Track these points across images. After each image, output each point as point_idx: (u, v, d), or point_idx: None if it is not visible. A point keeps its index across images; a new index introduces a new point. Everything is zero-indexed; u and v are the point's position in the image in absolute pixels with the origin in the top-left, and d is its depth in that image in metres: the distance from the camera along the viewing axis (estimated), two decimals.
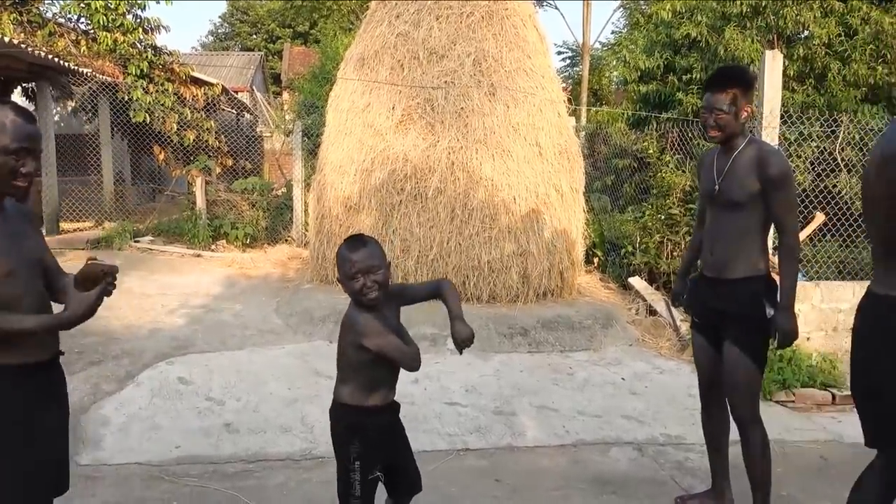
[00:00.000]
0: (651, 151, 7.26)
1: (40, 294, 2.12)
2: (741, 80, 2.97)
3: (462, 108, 6.26)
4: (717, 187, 3.00)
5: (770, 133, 5.59)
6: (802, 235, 5.67)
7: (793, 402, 4.79)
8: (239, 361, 5.11)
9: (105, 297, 2.05)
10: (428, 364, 5.19)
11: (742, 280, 2.96)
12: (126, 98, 10.54)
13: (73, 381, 4.63)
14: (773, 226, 3.02)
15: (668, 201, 6.74)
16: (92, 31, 11.18)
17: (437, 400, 4.61)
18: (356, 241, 2.36)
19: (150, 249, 8.92)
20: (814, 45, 8.59)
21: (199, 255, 8.75)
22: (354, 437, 2.38)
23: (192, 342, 5.48)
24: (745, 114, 2.97)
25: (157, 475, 3.58)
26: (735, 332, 2.97)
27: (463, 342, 2.41)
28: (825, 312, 5.47)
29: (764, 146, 3.01)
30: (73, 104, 12.58)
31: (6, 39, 7.53)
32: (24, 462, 2.00)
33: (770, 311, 2.90)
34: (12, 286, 1.99)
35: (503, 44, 6.52)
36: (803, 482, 3.72)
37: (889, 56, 8.29)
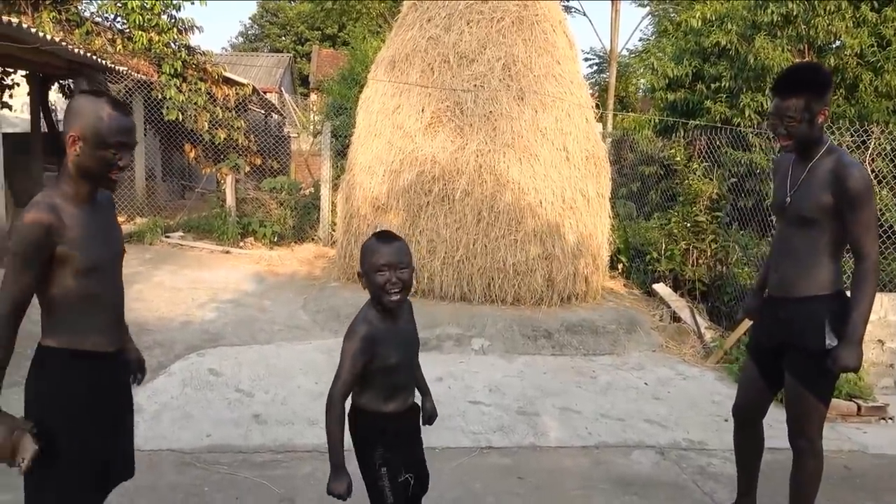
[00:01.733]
0: (678, 159, 7.27)
1: (119, 289, 2.16)
2: (813, 83, 2.68)
3: (490, 111, 6.33)
4: (788, 199, 2.78)
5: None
6: None
7: None
8: (267, 355, 5.21)
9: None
10: (453, 363, 5.30)
11: (807, 299, 2.73)
12: (159, 96, 10.75)
13: None
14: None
15: (694, 209, 6.75)
16: (128, 31, 11.42)
17: (461, 399, 4.66)
18: (388, 235, 2.26)
19: (181, 245, 9.09)
20: (845, 55, 8.54)
21: (227, 252, 8.89)
22: (377, 442, 2.26)
23: (222, 335, 5.60)
24: (822, 119, 2.67)
25: (188, 462, 3.69)
26: (793, 359, 2.80)
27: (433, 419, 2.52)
28: None
29: (844, 157, 2.67)
30: None
31: (48, 37, 7.73)
32: (93, 445, 2.04)
33: (831, 342, 2.65)
34: (95, 281, 2.01)
35: (532, 49, 6.58)
36: (827, 491, 3.70)
37: None
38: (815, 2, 8.69)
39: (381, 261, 2.17)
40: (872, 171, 6.88)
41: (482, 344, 5.60)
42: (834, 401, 4.84)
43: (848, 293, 2.67)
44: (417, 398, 2.46)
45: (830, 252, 2.70)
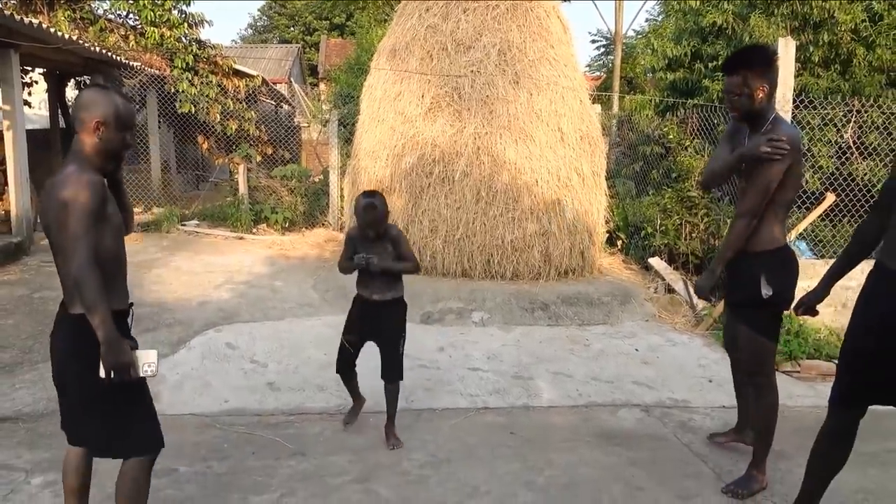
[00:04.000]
0: (671, 137, 7.49)
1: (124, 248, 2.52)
2: (750, 62, 3.01)
3: (487, 95, 6.60)
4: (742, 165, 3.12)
5: (783, 117, 5.80)
6: (814, 215, 5.90)
7: (798, 371, 5.06)
8: (280, 330, 5.55)
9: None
10: (454, 335, 5.61)
11: (751, 255, 3.11)
12: (172, 90, 11.09)
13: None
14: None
15: (686, 184, 6.99)
16: (140, 27, 11.76)
17: (461, 366, 4.98)
18: (368, 204, 3.55)
19: (196, 232, 9.46)
20: (839, 30, 8.67)
21: (241, 238, 9.25)
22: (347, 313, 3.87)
23: (237, 313, 5.95)
24: (761, 94, 2.97)
25: (208, 423, 4.03)
26: (739, 312, 3.28)
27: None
28: (834, 289, 5.66)
29: (781, 127, 3.00)
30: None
31: (67, 36, 8.08)
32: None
33: (767, 291, 3.06)
34: (120, 242, 2.42)
35: (527, 34, 6.83)
36: (798, 440, 3.98)
37: None
38: None
39: (361, 222, 3.59)
40: (859, 144, 7.10)
41: (482, 316, 5.91)
42: (814, 362, 5.13)
43: (792, 248, 3.13)
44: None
45: (772, 212, 3.05)
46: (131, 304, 2.52)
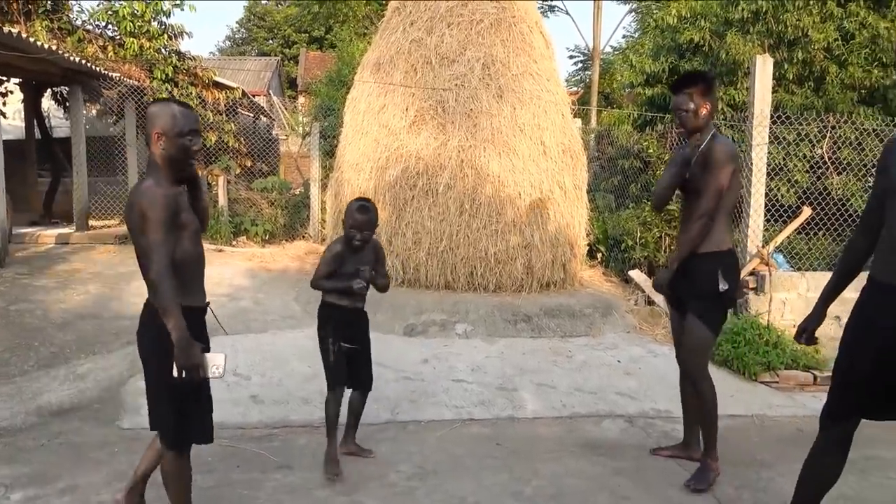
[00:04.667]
0: (651, 151, 7.60)
1: (202, 253, 2.72)
2: (694, 82, 3.42)
3: (471, 109, 6.65)
4: (687, 176, 3.43)
5: (760, 132, 5.93)
6: (790, 228, 6.01)
7: (777, 382, 5.14)
8: (262, 343, 5.52)
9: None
10: (438, 347, 5.62)
11: (705, 255, 3.39)
12: (151, 101, 11.01)
13: (111, 358, 5.09)
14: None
15: None
16: (119, 38, 11.67)
17: (445, 378, 4.98)
18: (364, 207, 3.55)
19: None
20: (813, 49, 8.89)
21: (221, 250, 9.17)
22: (327, 323, 3.62)
23: (219, 326, 5.90)
24: (704, 112, 3.37)
25: None
26: (691, 303, 3.48)
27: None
28: (811, 301, 5.74)
29: (717, 139, 3.38)
30: (99, 107, 13.09)
31: (45, 46, 8.01)
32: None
33: (723, 286, 3.35)
34: (199, 244, 2.64)
35: (510, 49, 6.91)
36: (778, 449, 4.06)
37: (885, 59, 8.58)
38: None
39: (352, 223, 3.49)
40: (834, 160, 7.26)
41: (465, 328, 5.93)
42: (792, 372, 5.22)
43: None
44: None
45: (720, 216, 3.37)
46: (208, 303, 2.75)
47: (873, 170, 7.25)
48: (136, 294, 6.76)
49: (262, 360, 5.13)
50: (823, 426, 2.73)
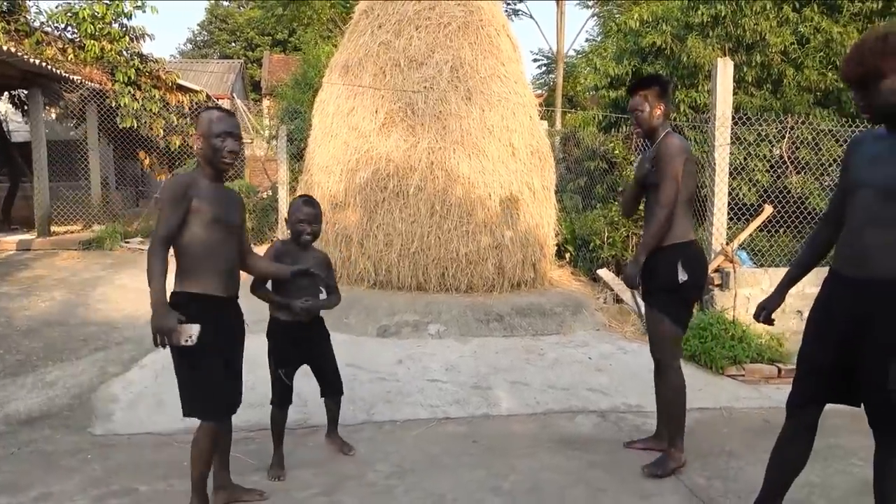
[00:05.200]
0: (617, 152, 7.74)
1: (233, 249, 2.96)
2: (649, 84, 3.58)
3: (440, 111, 6.70)
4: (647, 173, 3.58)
5: (722, 133, 6.09)
6: (753, 226, 6.18)
7: (743, 375, 5.28)
8: None
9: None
10: (411, 347, 5.64)
11: (666, 248, 3.51)
12: (114, 104, 10.82)
13: (79, 364, 5.01)
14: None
15: None
16: (78, 40, 11.45)
17: (420, 378, 5.01)
18: (309, 200, 3.57)
19: (141, 250, 9.22)
20: (770, 52, 9.14)
21: None
22: (272, 337, 3.59)
23: None
24: (658, 112, 3.54)
25: (166, 442, 3.96)
26: (655, 295, 3.61)
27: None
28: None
29: (669, 135, 3.52)
30: (58, 111, 12.82)
31: (4, 48, 7.83)
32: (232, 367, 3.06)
33: (683, 277, 3.46)
34: (215, 232, 2.82)
35: (478, 52, 6.98)
36: (746, 439, 4.18)
37: (838, 63, 8.85)
38: (742, 3, 9.28)
39: (301, 217, 3.48)
40: (793, 160, 7.48)
41: (438, 329, 5.96)
42: (757, 365, 5.36)
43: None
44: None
45: (679, 208, 3.48)
46: (229, 296, 2.98)
47: (829, 169, 7.52)
48: (103, 300, 6.67)
49: None
50: (790, 414, 2.83)
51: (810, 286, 6.08)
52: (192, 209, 2.76)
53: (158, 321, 2.63)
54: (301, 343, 3.55)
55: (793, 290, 5.93)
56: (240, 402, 3.19)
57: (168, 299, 2.71)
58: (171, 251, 2.79)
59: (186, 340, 2.69)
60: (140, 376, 4.83)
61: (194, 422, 4.19)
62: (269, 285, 3.48)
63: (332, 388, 3.72)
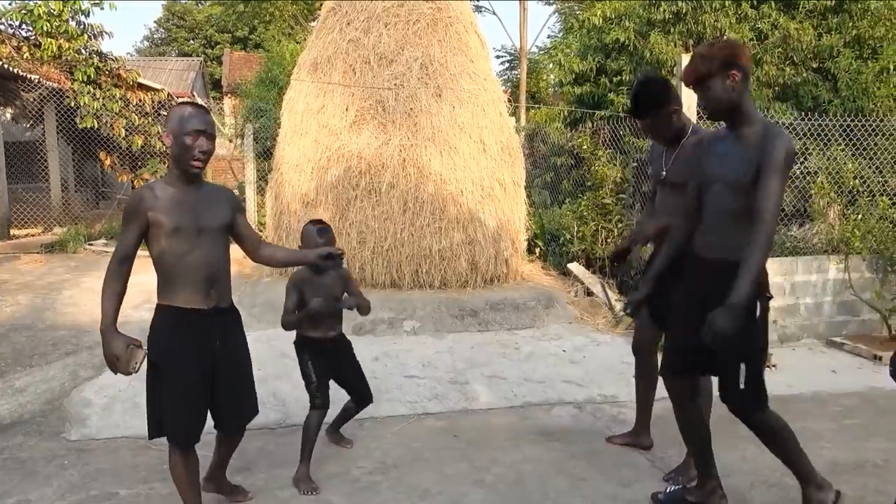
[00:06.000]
0: (585, 147, 7.86)
1: (211, 256, 2.73)
2: (652, 108, 3.32)
3: (411, 108, 6.72)
4: (664, 173, 3.46)
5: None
6: None
7: None
8: None
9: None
10: (387, 345, 5.66)
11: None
12: (73, 104, 10.59)
13: (50, 369, 4.92)
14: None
15: (601, 192, 7.34)
16: (34, 38, 11.17)
17: (397, 374, 5.03)
18: (323, 225, 3.41)
19: (105, 252, 9.06)
20: None
21: None
22: (303, 350, 3.52)
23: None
24: (675, 114, 3.33)
25: (144, 445, 3.89)
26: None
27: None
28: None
29: (700, 132, 3.36)
30: (14, 111, 12.49)
31: None
32: (189, 377, 2.71)
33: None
34: (180, 242, 2.63)
35: (447, 49, 7.01)
36: (719, 425, 4.25)
37: (795, 58, 9.12)
38: (702, 0, 9.49)
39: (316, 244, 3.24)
40: None
41: (413, 325, 5.99)
42: None
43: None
44: None
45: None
46: (212, 308, 2.75)
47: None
48: (70, 303, 6.54)
49: None
50: (665, 379, 3.08)
51: (775, 275, 6.27)
52: (151, 222, 2.61)
53: (104, 348, 2.55)
54: (328, 357, 3.54)
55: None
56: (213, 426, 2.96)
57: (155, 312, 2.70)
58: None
59: (133, 369, 2.57)
60: (113, 380, 4.73)
61: None
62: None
63: (360, 396, 3.74)
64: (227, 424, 2.97)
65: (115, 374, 2.59)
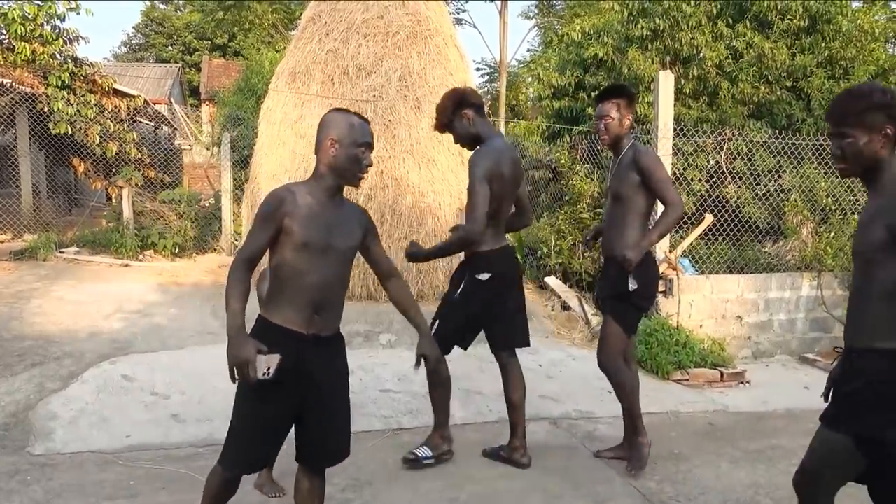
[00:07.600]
0: (563, 161, 7.89)
1: (330, 279, 2.48)
2: (623, 93, 3.65)
3: (390, 120, 6.70)
4: (608, 183, 3.73)
5: (664, 144, 6.27)
6: (694, 234, 6.38)
7: (687, 380, 5.44)
8: (180, 360, 5.33)
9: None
10: (363, 358, 5.60)
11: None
12: (46, 109, 10.40)
13: (16, 381, 4.79)
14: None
15: (578, 206, 7.37)
16: (7, 41, 10.97)
17: (373, 388, 4.98)
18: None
19: (77, 260, 8.89)
20: (706, 66, 9.48)
21: (127, 265, 8.78)
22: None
23: (132, 343, 5.65)
24: (628, 121, 3.61)
25: (111, 460, 3.82)
26: (607, 304, 3.85)
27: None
28: (715, 302, 6.17)
29: (639, 147, 3.64)
30: None
31: None
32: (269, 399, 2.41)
33: (633, 286, 3.59)
34: (306, 259, 2.41)
35: (427, 61, 7.02)
36: (693, 442, 4.31)
37: (770, 77, 9.26)
38: (679, 18, 9.60)
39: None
40: (730, 170, 7.77)
41: (389, 339, 5.94)
42: (700, 370, 5.53)
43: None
44: None
45: (638, 219, 3.65)
46: (313, 335, 2.47)
47: (762, 179, 7.81)
48: (39, 313, 6.40)
49: (181, 378, 4.96)
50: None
51: (749, 291, 6.32)
52: (284, 229, 2.39)
53: (231, 350, 2.30)
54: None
55: (731, 297, 6.12)
56: (266, 461, 2.83)
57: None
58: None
59: (264, 374, 2.32)
60: (80, 392, 4.65)
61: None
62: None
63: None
64: (305, 461, 2.64)
65: (238, 380, 2.34)
